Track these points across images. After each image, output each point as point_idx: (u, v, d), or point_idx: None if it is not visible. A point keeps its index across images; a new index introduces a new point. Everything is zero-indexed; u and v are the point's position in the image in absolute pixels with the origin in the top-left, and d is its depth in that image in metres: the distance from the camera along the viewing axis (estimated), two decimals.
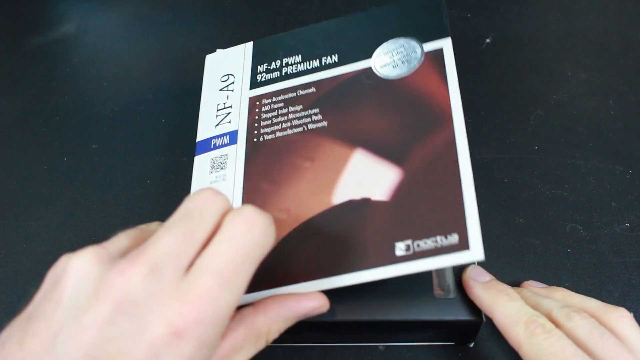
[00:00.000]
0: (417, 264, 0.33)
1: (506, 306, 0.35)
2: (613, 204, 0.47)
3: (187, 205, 0.28)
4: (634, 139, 0.50)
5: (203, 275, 0.26)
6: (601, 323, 0.34)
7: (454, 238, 0.32)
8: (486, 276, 0.37)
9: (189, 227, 0.27)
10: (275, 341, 0.40)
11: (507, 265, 0.44)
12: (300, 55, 0.43)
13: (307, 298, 0.33)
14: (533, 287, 0.40)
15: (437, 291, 0.38)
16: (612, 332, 0.34)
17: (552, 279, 0.43)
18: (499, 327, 0.35)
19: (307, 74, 0.42)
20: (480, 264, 0.39)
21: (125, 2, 0.60)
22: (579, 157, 0.49)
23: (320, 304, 0.33)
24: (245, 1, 0.60)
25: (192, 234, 0.27)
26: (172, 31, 0.58)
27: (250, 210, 0.28)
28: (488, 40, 0.57)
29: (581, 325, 0.33)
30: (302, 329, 0.39)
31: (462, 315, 0.37)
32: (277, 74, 0.43)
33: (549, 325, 0.33)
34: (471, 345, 0.41)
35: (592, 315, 0.35)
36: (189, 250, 0.26)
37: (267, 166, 0.39)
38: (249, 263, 0.27)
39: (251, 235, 0.27)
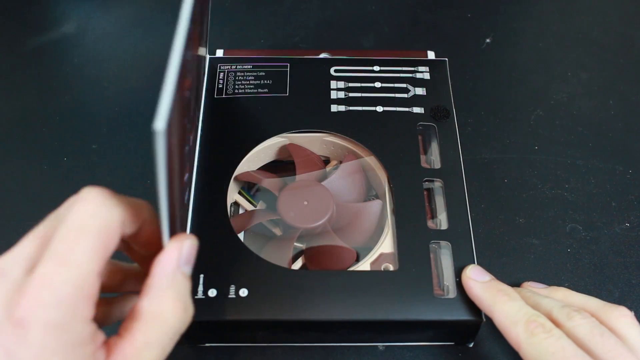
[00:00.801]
0: None
1: (506, 306, 0.35)
2: (613, 204, 0.47)
3: (54, 211, 0.29)
4: (634, 139, 0.50)
5: (41, 263, 0.26)
6: (602, 322, 0.34)
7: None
8: (486, 276, 0.37)
9: (42, 228, 0.27)
10: (275, 341, 0.40)
11: (507, 265, 0.44)
12: None
13: (164, 254, 0.30)
14: (533, 287, 0.40)
15: (437, 291, 0.38)
16: (612, 331, 0.34)
17: (552, 279, 0.43)
18: (498, 327, 0.35)
19: None
20: (480, 264, 0.39)
21: (125, 2, 0.60)
22: (579, 157, 0.49)
23: (181, 244, 0.30)
24: (245, 1, 0.60)
25: (44, 232, 0.27)
26: (172, 31, 0.58)
27: (84, 190, 0.28)
28: (488, 40, 0.57)
29: (582, 325, 0.33)
30: (302, 329, 0.39)
31: (462, 315, 0.37)
32: None
33: (549, 325, 0.33)
34: (471, 345, 0.41)
35: (593, 315, 0.35)
36: (40, 248, 0.27)
37: None
38: (85, 237, 0.26)
39: (82, 210, 0.27)
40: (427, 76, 0.47)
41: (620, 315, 0.34)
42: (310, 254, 0.42)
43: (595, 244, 0.45)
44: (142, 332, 0.28)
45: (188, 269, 0.30)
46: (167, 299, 0.29)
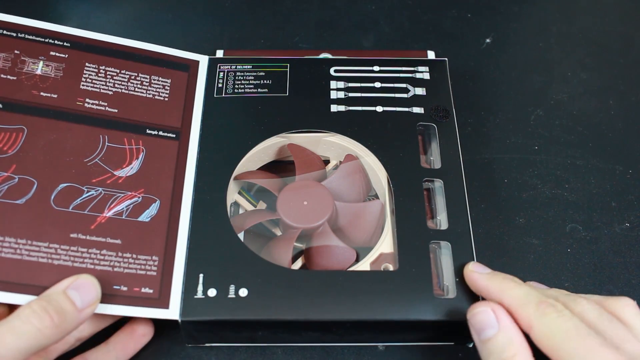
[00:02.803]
0: None
1: (515, 290, 0.35)
2: (613, 204, 0.47)
3: None
4: (634, 139, 0.50)
5: None
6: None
7: None
8: (487, 269, 0.37)
9: None
10: (275, 341, 0.40)
11: (507, 265, 0.44)
12: None
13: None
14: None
15: (437, 291, 0.38)
16: (618, 319, 0.33)
17: (552, 279, 0.43)
18: (508, 310, 0.34)
19: None
20: (480, 262, 0.39)
21: (125, 2, 0.60)
22: (579, 157, 0.49)
23: (77, 276, 0.36)
24: (245, 1, 0.60)
25: None
26: (172, 31, 0.58)
27: None
28: (488, 40, 0.57)
29: (590, 310, 0.33)
30: (302, 329, 0.39)
31: (462, 315, 0.37)
32: None
33: (560, 305, 0.33)
34: (471, 345, 0.41)
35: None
36: None
37: None
38: None
39: None
40: (427, 76, 0.47)
41: (625, 305, 0.34)
42: (310, 254, 0.42)
43: (595, 244, 0.45)
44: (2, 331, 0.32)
45: (75, 295, 0.35)
46: (37, 309, 0.33)
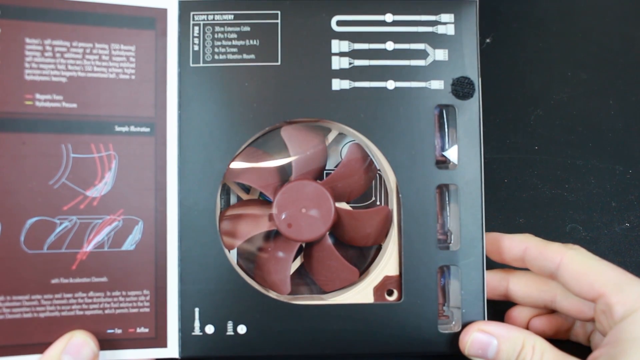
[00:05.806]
0: None
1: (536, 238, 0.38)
2: (613, 204, 0.47)
3: None
4: (634, 139, 0.50)
5: None
6: None
7: None
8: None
9: None
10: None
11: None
12: None
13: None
14: None
15: (442, 317, 0.38)
16: None
17: None
18: (535, 249, 0.37)
19: None
20: (479, 261, 0.38)
21: None
22: (579, 157, 0.49)
23: (71, 335, 0.35)
24: None
25: None
26: None
27: None
28: (488, 40, 0.57)
29: None
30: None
31: None
32: None
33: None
34: None
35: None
36: None
37: None
38: None
39: None
40: (451, 30, 0.40)
41: None
42: (309, 260, 0.42)
43: (595, 244, 0.45)
44: None
45: (68, 358, 0.34)
46: None
